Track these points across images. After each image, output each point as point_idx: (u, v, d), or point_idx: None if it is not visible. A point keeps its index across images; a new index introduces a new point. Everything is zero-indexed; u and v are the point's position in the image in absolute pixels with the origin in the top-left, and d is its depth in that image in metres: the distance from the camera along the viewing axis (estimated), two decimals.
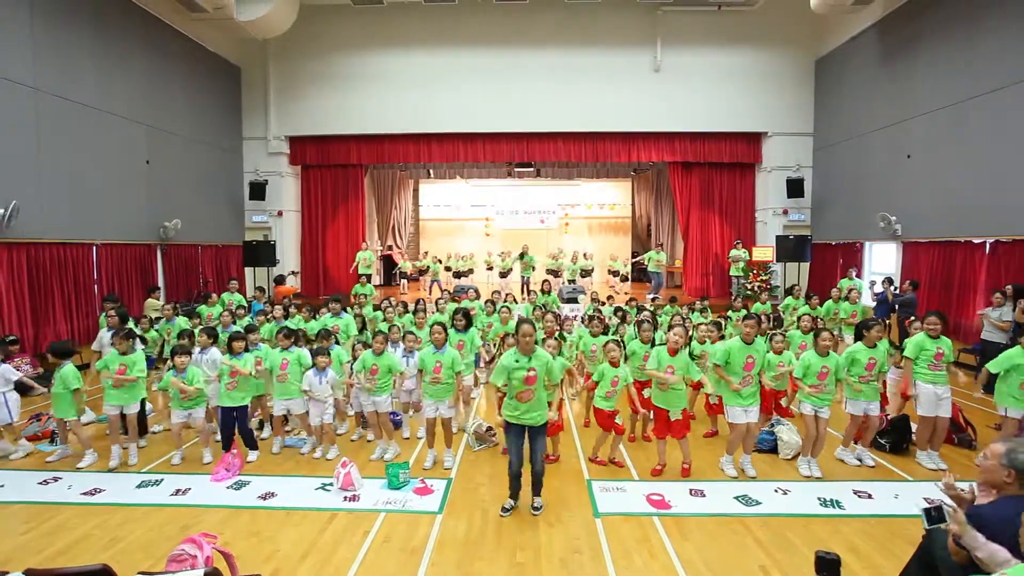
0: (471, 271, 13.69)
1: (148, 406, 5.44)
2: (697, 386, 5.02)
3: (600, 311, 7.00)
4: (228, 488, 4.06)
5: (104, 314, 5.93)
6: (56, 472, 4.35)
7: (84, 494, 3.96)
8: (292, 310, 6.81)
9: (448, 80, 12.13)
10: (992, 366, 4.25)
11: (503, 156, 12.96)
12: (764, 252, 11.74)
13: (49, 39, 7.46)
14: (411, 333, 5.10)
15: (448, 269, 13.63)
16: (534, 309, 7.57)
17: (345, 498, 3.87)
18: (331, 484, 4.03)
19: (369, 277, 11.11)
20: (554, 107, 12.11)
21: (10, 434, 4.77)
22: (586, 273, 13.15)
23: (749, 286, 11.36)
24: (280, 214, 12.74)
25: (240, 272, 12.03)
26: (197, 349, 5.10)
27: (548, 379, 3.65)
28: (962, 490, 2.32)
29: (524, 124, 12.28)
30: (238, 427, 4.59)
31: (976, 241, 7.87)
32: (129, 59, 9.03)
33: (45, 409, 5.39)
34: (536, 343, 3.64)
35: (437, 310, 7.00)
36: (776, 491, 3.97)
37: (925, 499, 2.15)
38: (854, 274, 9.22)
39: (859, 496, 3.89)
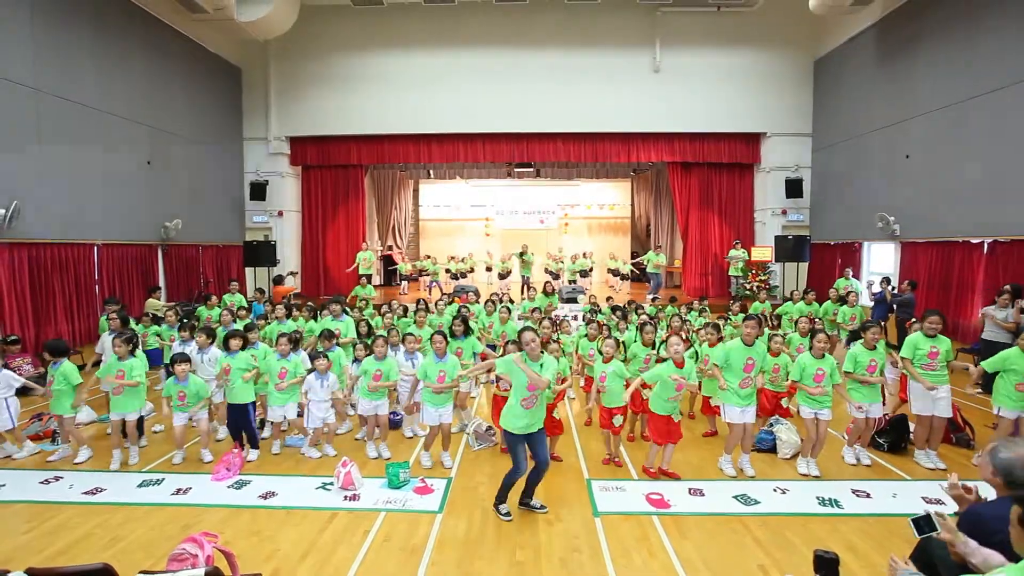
0: (472, 270, 13.72)
1: (148, 406, 5.46)
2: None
3: (597, 314, 7.02)
4: (229, 487, 4.08)
5: (105, 316, 5.94)
6: (57, 472, 4.37)
7: (85, 493, 3.98)
8: (294, 311, 6.82)
9: (448, 81, 12.14)
10: (988, 365, 4.27)
11: (503, 156, 12.98)
12: (763, 252, 11.76)
13: (50, 40, 7.47)
14: (411, 334, 5.12)
15: (447, 271, 13.66)
16: (532, 310, 7.57)
17: (345, 497, 3.88)
18: (331, 483, 4.05)
19: (369, 278, 11.12)
20: (554, 107, 12.13)
21: (12, 437, 4.77)
22: (585, 273, 13.17)
23: (748, 286, 11.38)
24: (280, 214, 12.75)
25: (240, 272, 12.04)
26: (196, 349, 5.11)
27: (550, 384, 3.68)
28: (965, 488, 2.31)
29: (524, 124, 12.30)
30: (243, 425, 4.61)
31: (974, 241, 7.89)
32: (130, 60, 9.04)
33: (46, 409, 5.39)
34: (543, 350, 3.68)
35: (436, 311, 7.01)
36: (775, 490, 3.99)
37: (912, 520, 2.14)
38: (850, 274, 9.23)
39: (857, 495, 3.91)
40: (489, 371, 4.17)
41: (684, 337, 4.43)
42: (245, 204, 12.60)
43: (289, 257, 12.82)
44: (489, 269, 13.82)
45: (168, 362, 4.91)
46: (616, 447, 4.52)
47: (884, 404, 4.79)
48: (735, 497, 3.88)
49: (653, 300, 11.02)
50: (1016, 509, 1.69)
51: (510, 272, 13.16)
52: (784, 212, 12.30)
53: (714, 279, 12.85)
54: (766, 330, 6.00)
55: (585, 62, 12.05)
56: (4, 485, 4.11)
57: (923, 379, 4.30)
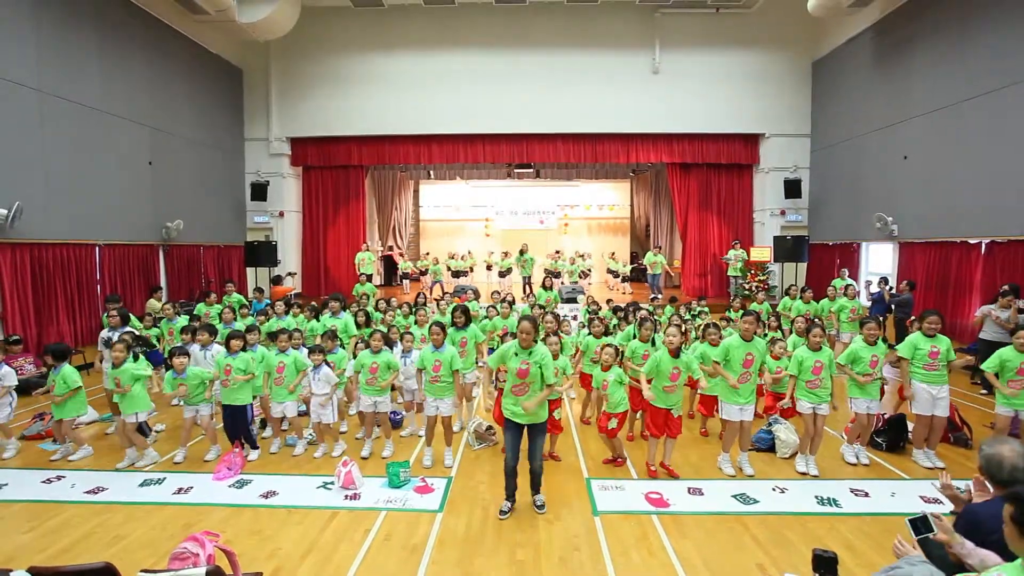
0: (472, 269, 13.74)
1: (151, 405, 5.48)
2: (695, 385, 5.06)
3: (598, 313, 7.03)
4: (230, 487, 4.09)
5: (106, 314, 5.97)
6: (59, 471, 4.38)
7: (87, 493, 3.99)
8: (295, 309, 6.85)
9: (448, 81, 12.18)
10: (987, 367, 4.31)
11: (503, 157, 13.02)
12: (762, 252, 11.80)
13: (53, 41, 7.51)
14: (408, 334, 5.13)
15: (448, 269, 13.69)
16: (533, 307, 7.58)
17: (346, 497, 3.89)
18: (332, 483, 4.06)
19: (370, 276, 11.15)
20: (553, 108, 12.17)
21: (3, 433, 4.77)
22: (584, 274, 13.20)
23: (747, 286, 11.41)
24: (281, 215, 12.78)
25: (242, 272, 12.08)
26: (199, 347, 5.13)
27: (543, 375, 3.64)
28: (958, 489, 2.34)
29: (523, 125, 12.34)
30: (240, 426, 4.62)
31: (972, 242, 7.92)
32: (132, 61, 9.07)
33: (48, 409, 5.41)
34: (536, 340, 3.65)
35: (439, 310, 7.03)
36: (774, 489, 4.00)
37: (908, 521, 2.15)
38: (846, 274, 9.25)
39: (856, 494, 3.92)
40: (492, 374, 4.15)
41: (683, 331, 4.44)
42: (246, 204, 12.63)
43: (290, 257, 12.85)
44: (489, 268, 13.84)
45: (167, 356, 4.92)
46: (620, 447, 4.53)
47: (881, 403, 4.81)
48: (734, 496, 3.89)
49: (652, 300, 11.05)
50: (1008, 507, 1.71)
51: (510, 270, 13.19)
52: (783, 212, 12.34)
53: (713, 279, 12.89)
54: (767, 331, 6.02)
55: (585, 63, 12.09)
56: (6, 484, 4.12)
57: (919, 382, 4.34)
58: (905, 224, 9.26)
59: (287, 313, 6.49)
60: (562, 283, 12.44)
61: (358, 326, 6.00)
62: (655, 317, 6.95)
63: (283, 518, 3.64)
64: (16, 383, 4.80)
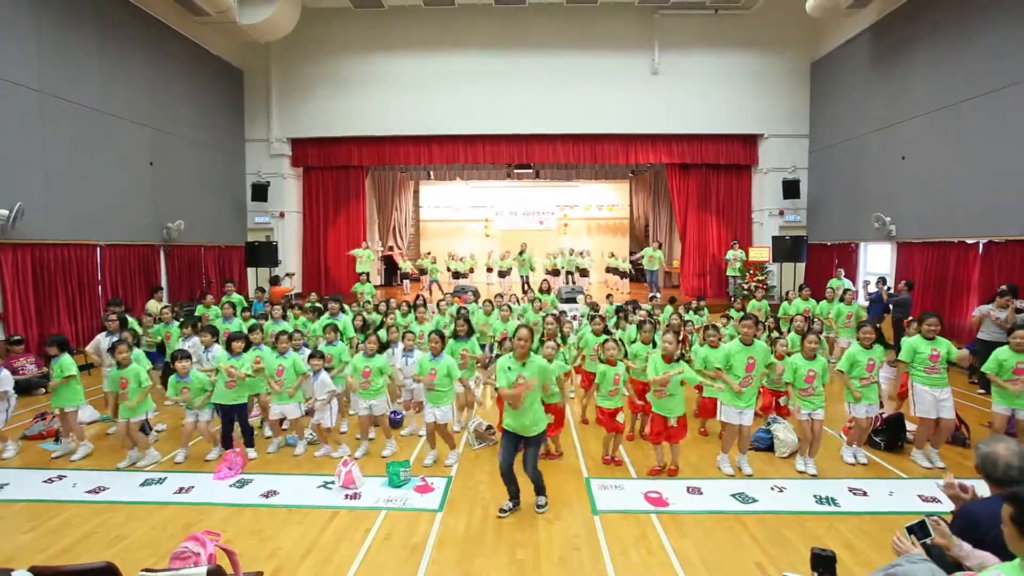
0: (472, 271, 13.75)
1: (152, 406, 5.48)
2: (698, 387, 5.07)
3: (598, 311, 7.05)
4: (231, 486, 4.11)
5: (106, 317, 5.98)
6: (60, 470, 4.40)
7: (88, 492, 4.00)
8: (295, 311, 6.87)
9: (448, 82, 12.19)
10: (986, 368, 4.32)
11: (502, 158, 13.03)
12: (760, 252, 11.82)
13: (54, 42, 7.52)
14: (410, 332, 5.14)
15: (448, 270, 13.69)
16: (533, 302, 7.58)
17: (346, 496, 3.91)
18: (332, 482, 4.08)
19: (368, 276, 11.16)
20: (553, 109, 12.18)
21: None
22: (584, 273, 13.21)
23: (746, 286, 11.43)
24: (282, 215, 12.79)
25: (242, 272, 12.10)
26: (201, 348, 5.14)
27: (545, 383, 3.64)
28: (961, 487, 2.34)
29: (523, 126, 12.35)
30: (238, 424, 4.63)
31: (969, 242, 7.93)
32: (132, 62, 9.08)
33: (49, 409, 5.43)
34: (533, 350, 3.64)
35: (438, 311, 7.04)
36: (772, 489, 4.02)
37: (906, 528, 2.16)
38: (842, 274, 9.26)
39: (854, 494, 3.94)
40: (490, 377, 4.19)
41: (680, 337, 4.45)
42: (247, 205, 12.64)
43: (291, 258, 12.86)
44: (490, 269, 13.85)
45: (168, 359, 4.94)
46: (615, 446, 4.55)
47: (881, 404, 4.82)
48: (733, 495, 3.91)
49: (651, 299, 11.06)
50: (1008, 508, 1.71)
51: (510, 270, 13.20)
52: (781, 213, 12.36)
53: (712, 279, 12.91)
54: (768, 330, 6.03)
55: (584, 64, 12.11)
56: (7, 484, 4.14)
57: (921, 385, 4.33)
58: (903, 224, 9.28)
59: (283, 317, 6.49)
60: (560, 282, 12.47)
61: (355, 329, 5.99)
62: (654, 317, 6.96)
63: (284, 517, 3.65)
64: (11, 387, 4.73)
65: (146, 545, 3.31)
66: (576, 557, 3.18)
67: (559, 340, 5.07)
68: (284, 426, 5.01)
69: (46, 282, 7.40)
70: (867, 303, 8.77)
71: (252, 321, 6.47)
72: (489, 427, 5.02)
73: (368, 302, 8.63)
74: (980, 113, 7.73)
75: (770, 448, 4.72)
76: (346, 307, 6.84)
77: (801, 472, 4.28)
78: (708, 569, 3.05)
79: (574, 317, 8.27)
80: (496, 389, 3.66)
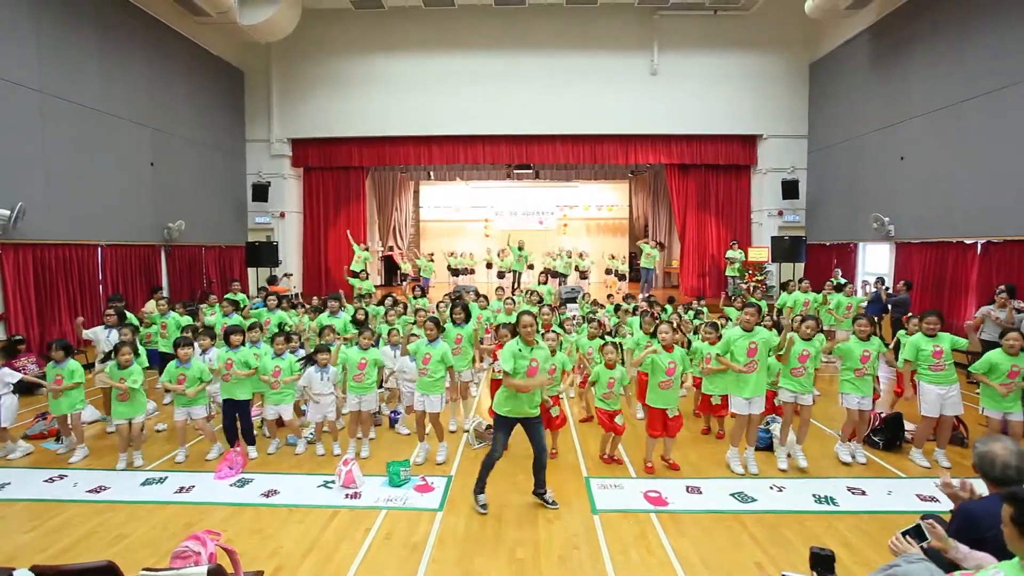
0: (471, 271, 13.74)
1: (151, 404, 5.50)
2: (698, 382, 5.08)
3: (596, 314, 7.07)
4: (231, 486, 4.11)
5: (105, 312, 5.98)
6: (61, 470, 4.40)
7: (89, 492, 4.01)
8: (299, 310, 6.92)
9: (448, 83, 12.21)
10: (975, 368, 4.31)
11: (502, 158, 13.05)
12: (759, 253, 11.83)
13: (54, 43, 7.53)
14: (395, 330, 5.17)
15: (448, 268, 13.68)
16: (528, 294, 7.60)
17: (347, 495, 3.92)
18: (333, 482, 4.09)
19: (367, 275, 11.15)
20: (552, 109, 12.20)
21: (4, 437, 4.77)
22: (584, 275, 13.21)
23: (745, 286, 11.45)
24: (282, 215, 12.81)
25: (243, 272, 12.11)
26: (200, 351, 5.14)
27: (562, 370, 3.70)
28: (961, 485, 2.34)
29: (523, 126, 12.37)
30: (240, 421, 4.63)
31: (968, 242, 7.94)
32: (133, 62, 9.09)
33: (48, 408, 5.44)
34: (537, 333, 3.72)
35: (437, 311, 7.04)
36: (772, 488, 4.02)
37: (903, 533, 2.16)
38: (839, 274, 9.27)
39: (853, 493, 3.95)
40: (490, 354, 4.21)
41: (680, 329, 4.45)
42: (247, 205, 12.66)
43: (291, 258, 12.88)
44: (490, 266, 13.85)
45: (172, 347, 4.94)
46: (614, 445, 4.56)
47: (878, 399, 4.83)
48: (732, 495, 3.92)
49: (648, 298, 11.07)
50: (1007, 508, 1.72)
51: (510, 270, 13.20)
52: (780, 213, 12.38)
53: (711, 280, 12.93)
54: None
55: (583, 64, 12.12)
56: (8, 484, 4.14)
57: (927, 383, 4.32)
58: (902, 224, 9.29)
59: (278, 307, 6.58)
60: (560, 283, 12.47)
61: (355, 322, 5.97)
62: (653, 311, 6.97)
63: (284, 517, 3.66)
64: (16, 380, 4.78)
65: (147, 544, 3.31)
66: (576, 556, 3.19)
67: (556, 330, 5.09)
68: (280, 426, 5.02)
69: (47, 282, 7.40)
70: (866, 303, 8.79)
71: (252, 320, 6.49)
72: (489, 427, 5.02)
73: (369, 294, 8.66)
74: (979, 113, 7.75)
75: (770, 448, 4.72)
76: (347, 305, 6.84)
77: (782, 471, 4.27)
78: (707, 568, 3.06)
79: (572, 318, 8.28)
80: (505, 374, 3.62)
